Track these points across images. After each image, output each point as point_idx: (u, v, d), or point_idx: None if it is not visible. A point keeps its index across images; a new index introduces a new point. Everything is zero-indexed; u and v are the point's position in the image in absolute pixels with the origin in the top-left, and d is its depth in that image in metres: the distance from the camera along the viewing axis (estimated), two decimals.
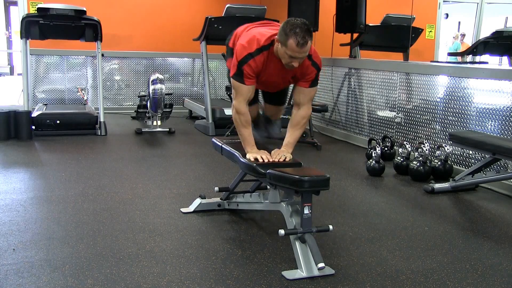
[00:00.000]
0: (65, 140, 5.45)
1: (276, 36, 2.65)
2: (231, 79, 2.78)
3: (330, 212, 3.34)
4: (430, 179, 4.18)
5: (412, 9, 5.93)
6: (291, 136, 2.88)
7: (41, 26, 5.85)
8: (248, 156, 2.75)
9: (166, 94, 5.76)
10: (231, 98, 3.00)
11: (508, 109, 3.88)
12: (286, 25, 2.58)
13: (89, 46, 6.37)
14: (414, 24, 6.47)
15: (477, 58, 7.20)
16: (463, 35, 10.75)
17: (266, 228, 3.01)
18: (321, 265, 2.29)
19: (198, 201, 3.26)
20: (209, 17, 6.11)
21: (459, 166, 4.30)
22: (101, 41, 6.07)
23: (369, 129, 5.56)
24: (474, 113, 4.19)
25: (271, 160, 2.71)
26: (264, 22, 3.04)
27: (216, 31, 6.09)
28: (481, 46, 6.76)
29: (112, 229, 2.91)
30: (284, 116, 5.19)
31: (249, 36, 2.76)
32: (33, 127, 5.54)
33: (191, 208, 3.25)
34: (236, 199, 3.21)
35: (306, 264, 2.39)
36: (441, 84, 4.61)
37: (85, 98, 7.08)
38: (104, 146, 5.35)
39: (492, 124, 4.03)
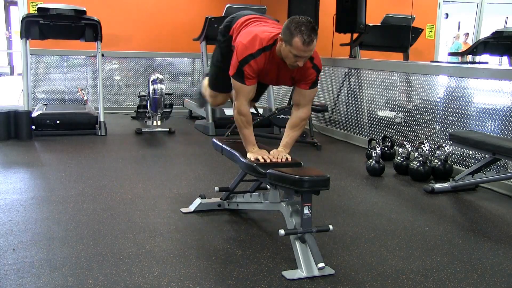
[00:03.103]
0: (65, 140, 5.44)
1: (280, 35, 2.57)
2: (231, 79, 2.73)
3: (330, 212, 3.34)
4: (430, 179, 4.17)
5: (412, 9, 5.94)
6: (289, 136, 2.87)
7: (41, 26, 5.84)
8: (248, 156, 2.75)
9: (166, 94, 5.75)
10: (231, 99, 2.99)
11: (508, 109, 3.88)
12: (290, 23, 2.51)
13: (89, 46, 6.37)
14: (414, 24, 6.48)
15: (477, 58, 7.20)
16: (467, 34, 10.71)
17: (266, 228, 3.01)
18: (321, 265, 2.29)
19: (198, 201, 3.26)
20: (209, 17, 6.11)
21: (459, 166, 4.29)
22: (101, 41, 6.06)
23: (369, 129, 5.56)
24: (474, 113, 4.19)
25: (273, 160, 2.71)
26: (265, 19, 2.96)
27: (216, 31, 5.98)
28: (481, 46, 6.77)
29: (112, 229, 2.91)
30: (285, 117, 5.23)
31: (250, 34, 2.68)
32: (33, 127, 5.53)
33: (191, 208, 3.25)
34: (236, 199, 3.21)
35: (306, 264, 2.39)
36: (441, 84, 4.60)
37: (85, 98, 7.07)
38: (104, 146, 5.35)
39: (492, 124, 4.02)
